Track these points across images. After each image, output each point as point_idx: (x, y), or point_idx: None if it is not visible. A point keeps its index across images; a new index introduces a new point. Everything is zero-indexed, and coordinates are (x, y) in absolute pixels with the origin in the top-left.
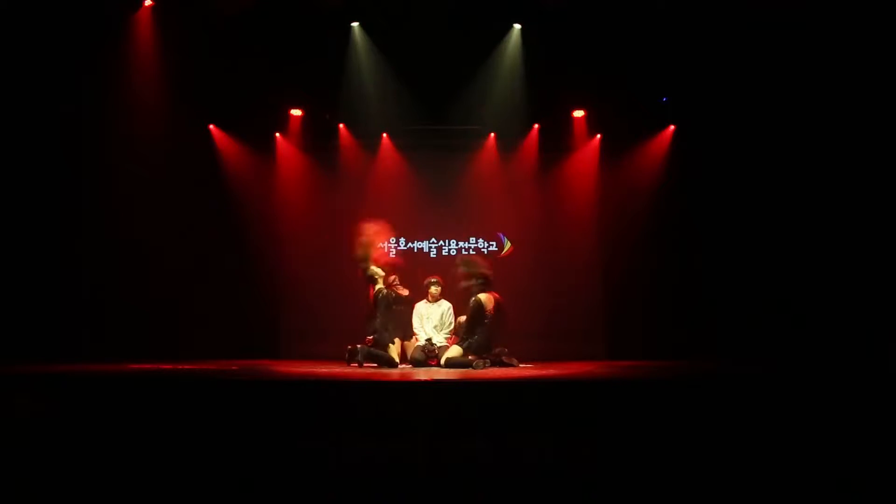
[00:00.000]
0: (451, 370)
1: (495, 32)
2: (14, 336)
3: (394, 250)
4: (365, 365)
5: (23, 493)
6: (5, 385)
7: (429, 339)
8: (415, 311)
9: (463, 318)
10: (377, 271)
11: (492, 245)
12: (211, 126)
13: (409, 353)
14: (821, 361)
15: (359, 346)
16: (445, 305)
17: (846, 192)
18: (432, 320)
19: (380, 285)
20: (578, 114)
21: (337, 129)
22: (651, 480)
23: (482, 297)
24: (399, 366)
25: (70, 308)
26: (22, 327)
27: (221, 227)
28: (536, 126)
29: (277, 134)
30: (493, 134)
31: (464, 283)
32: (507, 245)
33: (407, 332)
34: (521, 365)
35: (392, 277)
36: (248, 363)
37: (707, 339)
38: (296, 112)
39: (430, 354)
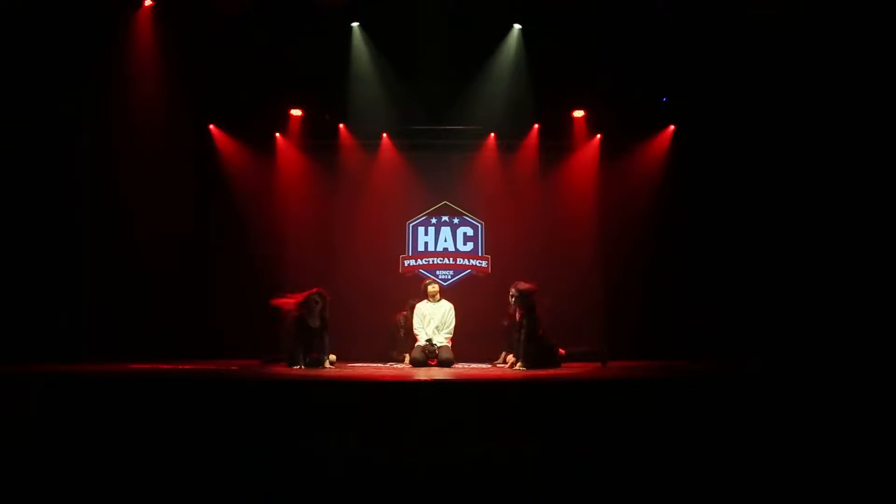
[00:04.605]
0: (451, 370)
1: (495, 32)
2: (14, 336)
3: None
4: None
5: (23, 493)
6: (5, 385)
7: (429, 340)
8: (416, 312)
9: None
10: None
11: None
12: (211, 126)
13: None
14: (821, 361)
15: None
16: (447, 305)
17: (845, 192)
18: (434, 321)
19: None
20: (578, 114)
21: (337, 129)
22: (651, 480)
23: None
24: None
25: (70, 308)
26: (22, 327)
27: (221, 226)
28: (536, 126)
29: (277, 134)
30: (493, 134)
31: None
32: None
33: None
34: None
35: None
36: (248, 363)
37: (707, 338)
38: (296, 112)
39: (430, 354)
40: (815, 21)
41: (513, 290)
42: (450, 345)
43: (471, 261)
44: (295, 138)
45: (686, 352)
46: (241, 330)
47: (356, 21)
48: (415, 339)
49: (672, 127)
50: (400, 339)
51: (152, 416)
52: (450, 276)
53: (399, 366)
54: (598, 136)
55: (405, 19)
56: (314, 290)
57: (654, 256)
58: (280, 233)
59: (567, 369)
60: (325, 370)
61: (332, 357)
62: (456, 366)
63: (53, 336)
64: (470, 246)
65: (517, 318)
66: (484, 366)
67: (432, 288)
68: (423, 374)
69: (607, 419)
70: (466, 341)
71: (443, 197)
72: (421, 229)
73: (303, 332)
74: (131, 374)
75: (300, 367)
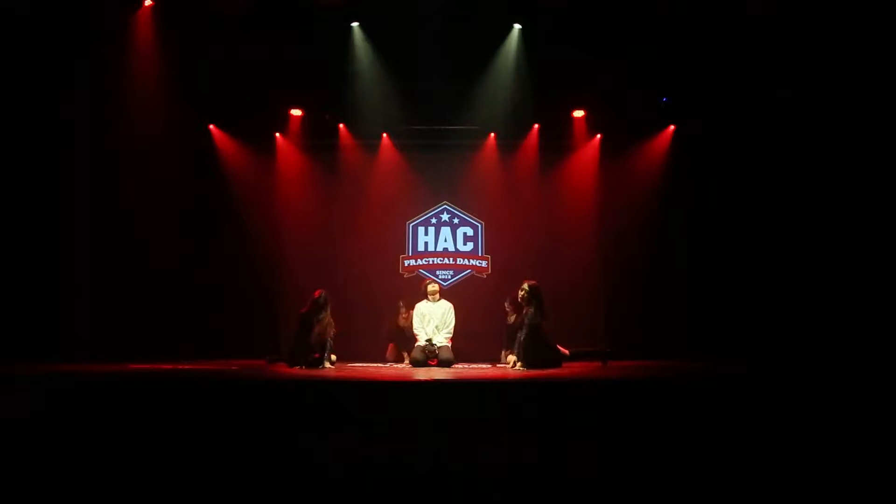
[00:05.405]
0: (451, 370)
1: (495, 32)
2: (14, 336)
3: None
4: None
5: (23, 493)
6: (5, 385)
7: (429, 340)
8: (415, 311)
9: None
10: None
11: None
12: (211, 126)
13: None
14: (820, 361)
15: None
16: (446, 305)
17: (846, 192)
18: (433, 320)
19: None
20: (578, 114)
21: (337, 129)
22: (651, 480)
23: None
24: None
25: (70, 308)
26: (22, 327)
27: (221, 226)
28: (536, 126)
29: (277, 134)
30: (493, 134)
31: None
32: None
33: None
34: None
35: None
36: (248, 363)
37: (707, 339)
38: (296, 112)
39: (430, 354)
40: (815, 20)
41: (525, 286)
42: (450, 345)
43: (471, 261)
44: (295, 138)
45: (686, 352)
46: (242, 330)
47: (356, 21)
48: (415, 339)
49: (672, 127)
50: (398, 340)
51: (152, 416)
52: (450, 276)
53: (399, 366)
54: (598, 136)
55: (405, 19)
56: (318, 291)
57: (654, 256)
58: (280, 233)
59: (567, 369)
60: (325, 370)
61: (333, 357)
62: (456, 366)
63: (53, 336)
64: (470, 246)
65: (524, 312)
66: (484, 366)
67: (432, 287)
68: (423, 374)
69: (607, 419)
70: (466, 341)
71: (443, 197)
72: (421, 229)
73: (305, 333)
74: (131, 374)
75: (301, 367)
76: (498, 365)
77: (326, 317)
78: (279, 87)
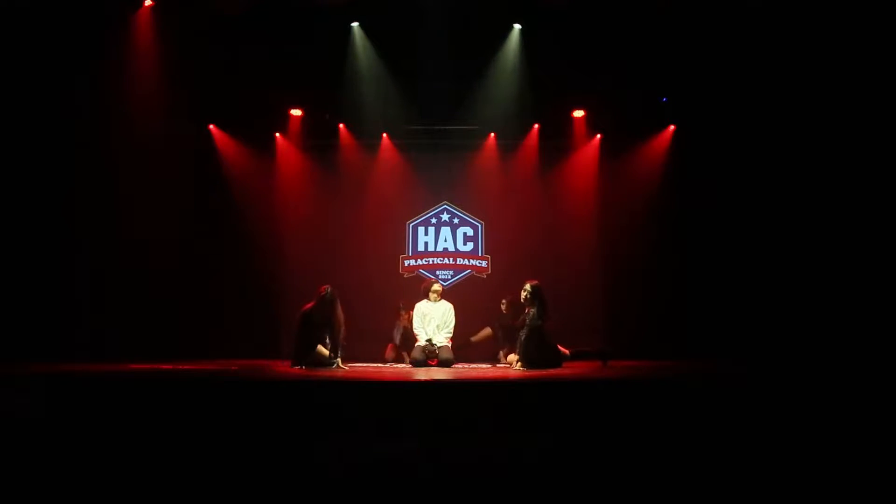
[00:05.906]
0: (451, 370)
1: (495, 32)
2: (14, 336)
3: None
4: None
5: (23, 494)
6: (5, 385)
7: (429, 340)
8: (415, 311)
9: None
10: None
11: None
12: (211, 126)
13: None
14: (821, 360)
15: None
16: (446, 305)
17: (845, 192)
18: (434, 320)
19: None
20: (578, 114)
21: (337, 129)
22: (651, 480)
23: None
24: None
25: (70, 308)
26: (21, 327)
27: (221, 227)
28: (536, 126)
29: (277, 134)
30: (493, 134)
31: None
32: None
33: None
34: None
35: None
36: (248, 363)
37: (707, 338)
38: (296, 112)
39: (430, 354)
40: (816, 18)
41: (527, 286)
42: (450, 345)
43: (471, 261)
44: (295, 138)
45: (686, 352)
46: (242, 330)
47: (356, 21)
48: (415, 339)
49: (672, 127)
50: (400, 340)
51: (152, 417)
52: (450, 277)
53: (399, 366)
54: (598, 136)
55: (405, 19)
56: (323, 287)
57: (654, 256)
58: (280, 233)
59: (567, 369)
60: (327, 370)
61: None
62: (456, 366)
63: (53, 336)
64: (470, 246)
65: (526, 312)
66: (484, 366)
67: (435, 287)
68: (423, 374)
69: (607, 419)
70: (467, 341)
71: (443, 197)
72: (421, 229)
73: (308, 330)
74: (131, 374)
75: (301, 367)
76: (498, 365)
77: (338, 314)
78: (279, 87)
